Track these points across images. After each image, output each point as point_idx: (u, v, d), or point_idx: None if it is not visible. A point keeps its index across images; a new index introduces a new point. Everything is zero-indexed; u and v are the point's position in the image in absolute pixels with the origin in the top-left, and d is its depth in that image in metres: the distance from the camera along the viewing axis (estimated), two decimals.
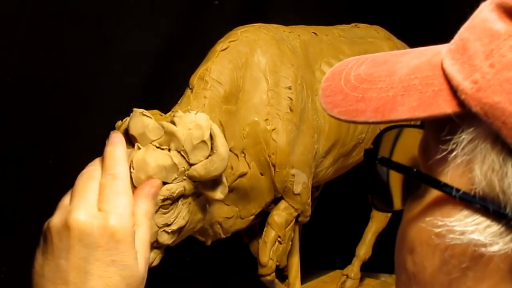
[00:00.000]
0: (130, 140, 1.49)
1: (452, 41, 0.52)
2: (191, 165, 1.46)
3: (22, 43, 1.91)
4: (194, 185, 1.49)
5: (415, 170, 0.52)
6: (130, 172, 1.44)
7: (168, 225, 1.50)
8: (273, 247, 1.78)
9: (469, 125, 0.47)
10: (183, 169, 1.46)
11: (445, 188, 0.48)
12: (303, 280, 2.13)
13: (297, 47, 1.84)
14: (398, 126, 0.59)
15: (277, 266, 1.82)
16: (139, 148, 1.45)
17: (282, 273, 2.00)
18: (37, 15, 1.94)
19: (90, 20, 2.03)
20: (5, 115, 1.92)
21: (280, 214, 1.78)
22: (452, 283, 0.49)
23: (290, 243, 1.84)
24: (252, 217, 1.78)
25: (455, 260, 0.48)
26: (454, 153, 0.48)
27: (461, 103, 0.47)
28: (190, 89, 1.64)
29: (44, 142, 2.00)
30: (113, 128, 1.55)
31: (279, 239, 1.78)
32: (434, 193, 0.50)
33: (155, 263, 1.54)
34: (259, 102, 1.69)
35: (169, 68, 2.16)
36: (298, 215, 1.82)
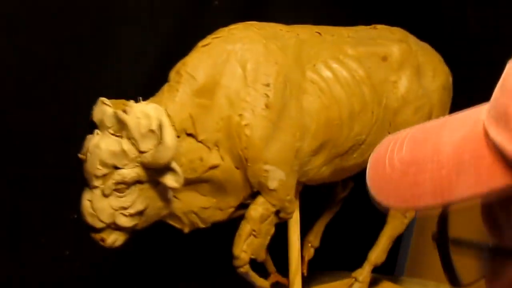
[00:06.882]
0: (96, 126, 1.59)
1: (490, 105, 0.50)
2: (141, 152, 1.54)
3: (22, 43, 1.91)
4: (148, 172, 1.57)
5: (490, 245, 0.51)
6: (86, 155, 1.58)
7: (125, 209, 1.58)
8: (248, 240, 1.80)
9: None
10: (134, 156, 1.55)
11: None
12: (314, 281, 2.17)
13: (290, 46, 1.84)
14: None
15: (254, 260, 1.84)
16: (98, 134, 1.57)
17: (282, 271, 2.01)
18: (37, 15, 1.93)
19: (90, 20, 2.03)
20: (5, 115, 1.92)
21: (256, 209, 1.80)
22: None
23: (269, 238, 1.84)
24: (231, 209, 1.81)
25: None
26: None
27: None
28: (168, 82, 1.70)
29: (44, 142, 2.00)
30: None
31: (253, 232, 1.80)
32: None
33: (117, 244, 1.62)
34: (235, 97, 1.71)
35: (169, 68, 2.15)
36: (278, 211, 1.83)
